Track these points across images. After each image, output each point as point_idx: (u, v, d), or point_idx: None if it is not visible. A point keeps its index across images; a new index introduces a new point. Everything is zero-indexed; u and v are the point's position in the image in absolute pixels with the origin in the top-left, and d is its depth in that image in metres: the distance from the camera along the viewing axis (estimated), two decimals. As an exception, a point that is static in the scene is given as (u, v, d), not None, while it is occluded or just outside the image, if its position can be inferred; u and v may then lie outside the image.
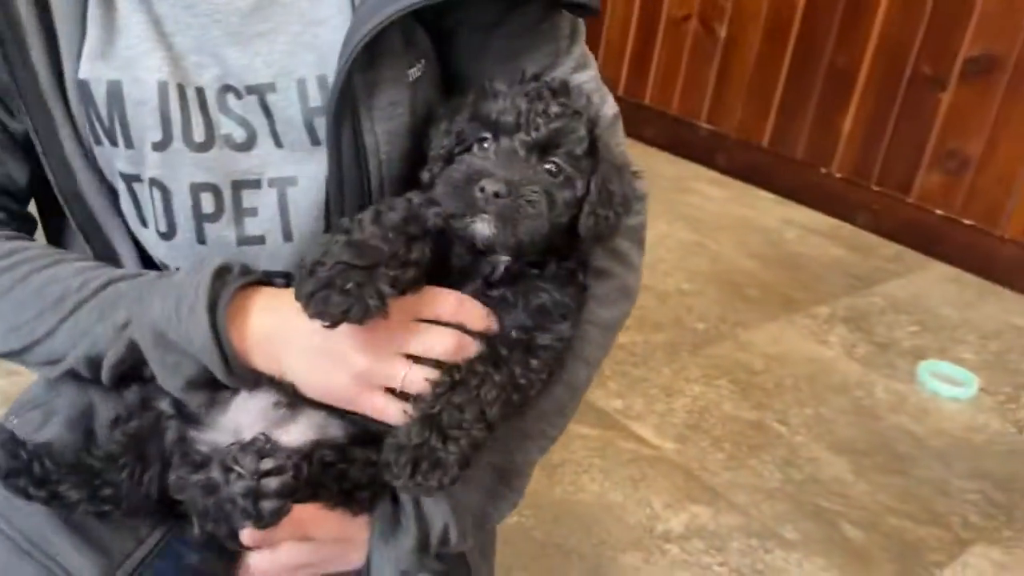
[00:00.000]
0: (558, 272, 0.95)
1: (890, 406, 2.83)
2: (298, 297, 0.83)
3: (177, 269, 1.00)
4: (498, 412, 0.87)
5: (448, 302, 0.92)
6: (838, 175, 4.27)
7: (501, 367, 0.89)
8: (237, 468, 0.82)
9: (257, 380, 0.95)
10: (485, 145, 0.91)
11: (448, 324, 0.91)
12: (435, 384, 0.88)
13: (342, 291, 0.82)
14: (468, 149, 0.93)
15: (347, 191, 0.97)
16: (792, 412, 2.74)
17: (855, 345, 3.17)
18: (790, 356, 3.05)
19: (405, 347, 0.91)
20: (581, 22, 1.08)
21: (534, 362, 0.92)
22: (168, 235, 1.00)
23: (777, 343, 3.12)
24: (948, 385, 2.90)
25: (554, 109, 0.90)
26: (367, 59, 0.92)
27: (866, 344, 3.18)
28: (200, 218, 0.98)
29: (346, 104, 0.93)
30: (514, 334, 0.92)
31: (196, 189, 0.97)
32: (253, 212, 0.99)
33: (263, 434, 0.89)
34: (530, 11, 1.02)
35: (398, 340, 0.90)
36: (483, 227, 0.86)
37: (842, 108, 4.18)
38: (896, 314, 3.42)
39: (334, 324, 0.83)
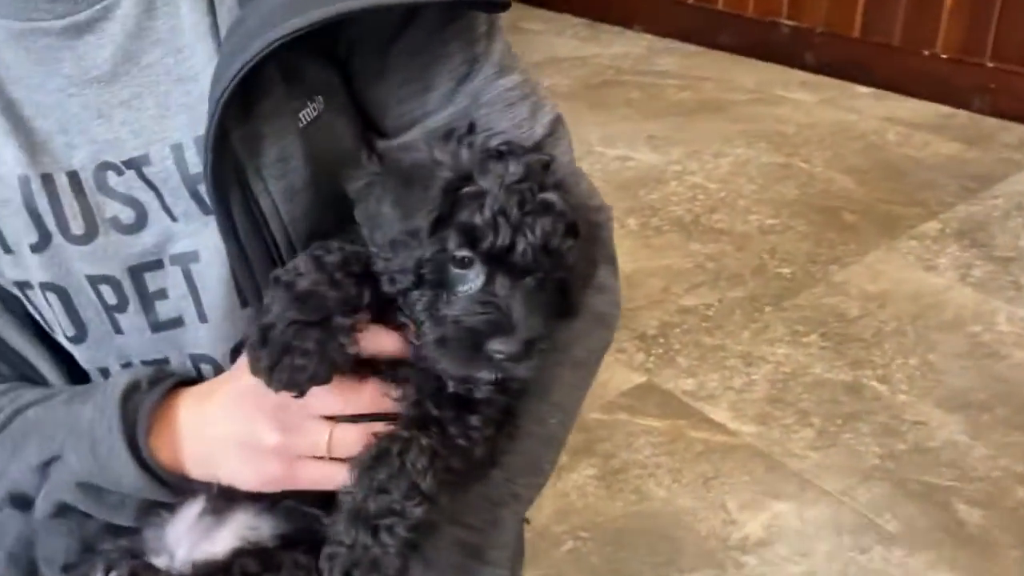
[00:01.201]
0: None
1: (1016, 340, 2.45)
2: (256, 371, 0.78)
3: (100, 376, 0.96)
4: (434, 482, 0.78)
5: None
6: (944, 56, 3.77)
7: (430, 428, 0.81)
8: None
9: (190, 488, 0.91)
10: (470, 271, 0.79)
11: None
12: (352, 463, 0.81)
13: (303, 353, 0.77)
14: (442, 268, 0.80)
15: (254, 261, 0.90)
16: (895, 365, 2.41)
17: (970, 266, 2.77)
18: (893, 293, 2.68)
19: (317, 409, 0.85)
20: (497, 17, 0.97)
21: (473, 418, 0.83)
22: (79, 338, 0.94)
23: (877, 278, 2.75)
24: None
25: (546, 224, 0.78)
26: (241, 110, 0.84)
27: (984, 263, 2.77)
28: (109, 310, 0.93)
29: (226, 165, 0.85)
30: (447, 387, 0.83)
31: (94, 282, 0.91)
32: (162, 295, 0.93)
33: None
34: (429, 18, 0.92)
35: (307, 404, 0.84)
36: (488, 375, 0.79)
37: (941, -23, 3.66)
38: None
39: (303, 392, 0.79)
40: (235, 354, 0.92)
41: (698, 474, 2.12)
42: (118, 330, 0.93)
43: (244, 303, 0.92)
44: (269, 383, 0.78)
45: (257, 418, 0.85)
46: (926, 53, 3.82)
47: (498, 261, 0.77)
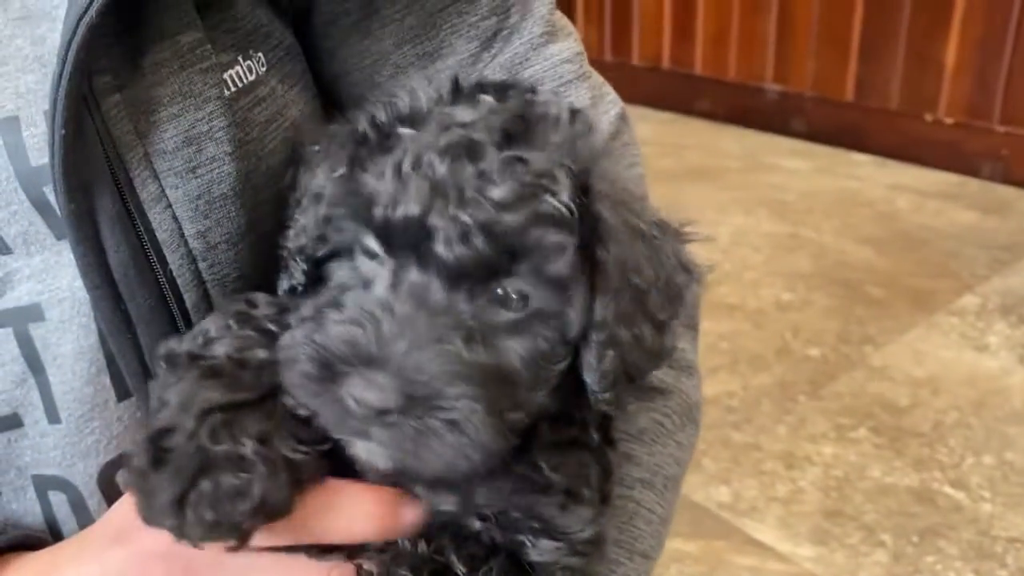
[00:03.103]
0: (554, 439, 0.57)
1: (1102, 430, 2.04)
2: (151, 517, 0.50)
3: None
4: None
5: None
6: (948, 120, 3.48)
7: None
8: None
9: None
10: (370, 264, 0.54)
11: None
12: None
13: (236, 464, 0.50)
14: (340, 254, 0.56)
15: (139, 319, 0.61)
16: (967, 465, 1.97)
17: (1027, 345, 2.38)
18: (944, 377, 2.27)
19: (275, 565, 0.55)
20: None
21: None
22: None
23: (922, 360, 2.34)
24: None
25: (504, 180, 0.50)
26: (123, 58, 0.59)
27: (1041, 341, 2.38)
28: None
29: (91, 153, 0.58)
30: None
31: None
32: None
33: None
34: None
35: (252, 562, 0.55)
36: (368, 454, 0.51)
37: (940, 37, 3.43)
38: (1068, 289, 2.61)
39: (245, 537, 0.51)
40: (106, 479, 0.65)
41: (752, 615, 1.63)
42: None
43: (122, 393, 0.64)
44: (179, 534, 0.50)
45: None
46: (928, 118, 3.52)
47: (412, 249, 0.51)
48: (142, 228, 0.61)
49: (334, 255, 0.57)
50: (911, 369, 2.31)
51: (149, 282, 0.62)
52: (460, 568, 0.53)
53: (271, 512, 0.51)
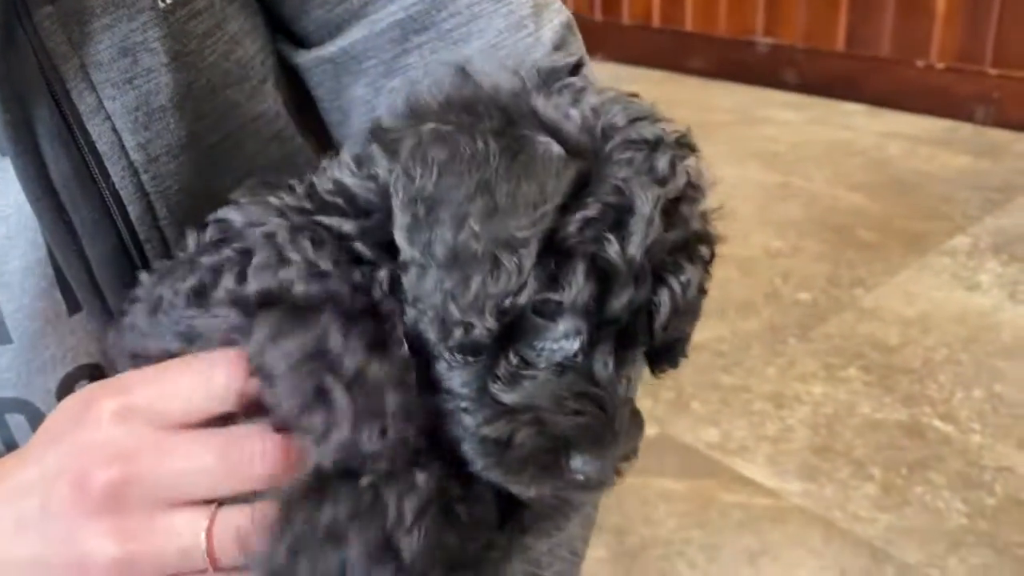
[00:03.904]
0: None
1: (1093, 361, 2.03)
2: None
3: None
4: (425, 546, 0.45)
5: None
6: (940, 65, 3.44)
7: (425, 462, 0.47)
8: None
9: None
10: (557, 324, 0.48)
11: None
12: (276, 495, 0.47)
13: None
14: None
15: (83, 231, 0.61)
16: (957, 399, 1.97)
17: (1017, 283, 2.37)
18: (934, 316, 2.26)
19: (179, 488, 0.51)
20: None
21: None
22: None
23: (913, 300, 2.33)
24: None
25: (695, 277, 0.50)
26: None
27: (1033, 277, 2.37)
28: None
29: (25, 64, 0.58)
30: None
31: None
32: None
33: None
34: None
35: (157, 483, 0.52)
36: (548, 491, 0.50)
37: (931, -19, 3.36)
38: (1061, 227, 2.60)
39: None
40: (65, 391, 0.64)
41: (740, 549, 1.63)
42: None
43: (73, 306, 0.63)
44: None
45: (77, 519, 0.52)
46: (920, 64, 3.49)
47: (608, 323, 0.48)
48: (82, 140, 0.60)
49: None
50: (902, 309, 2.30)
51: (92, 194, 0.61)
52: None
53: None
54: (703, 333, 2.15)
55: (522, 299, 0.45)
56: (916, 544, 1.61)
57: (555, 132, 0.49)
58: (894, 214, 2.78)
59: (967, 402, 1.96)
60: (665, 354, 0.54)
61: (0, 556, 0.53)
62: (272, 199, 0.54)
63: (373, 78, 0.71)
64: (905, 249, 2.57)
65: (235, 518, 0.50)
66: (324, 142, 0.77)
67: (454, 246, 0.45)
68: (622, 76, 4.23)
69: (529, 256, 0.45)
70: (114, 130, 0.61)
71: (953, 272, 2.45)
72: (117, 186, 0.62)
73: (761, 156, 3.23)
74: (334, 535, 0.44)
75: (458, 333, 0.46)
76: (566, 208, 0.46)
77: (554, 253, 0.46)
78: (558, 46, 0.74)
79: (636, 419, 0.52)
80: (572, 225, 0.46)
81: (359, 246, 0.50)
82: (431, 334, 0.47)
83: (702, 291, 0.52)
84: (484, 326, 0.45)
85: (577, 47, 0.76)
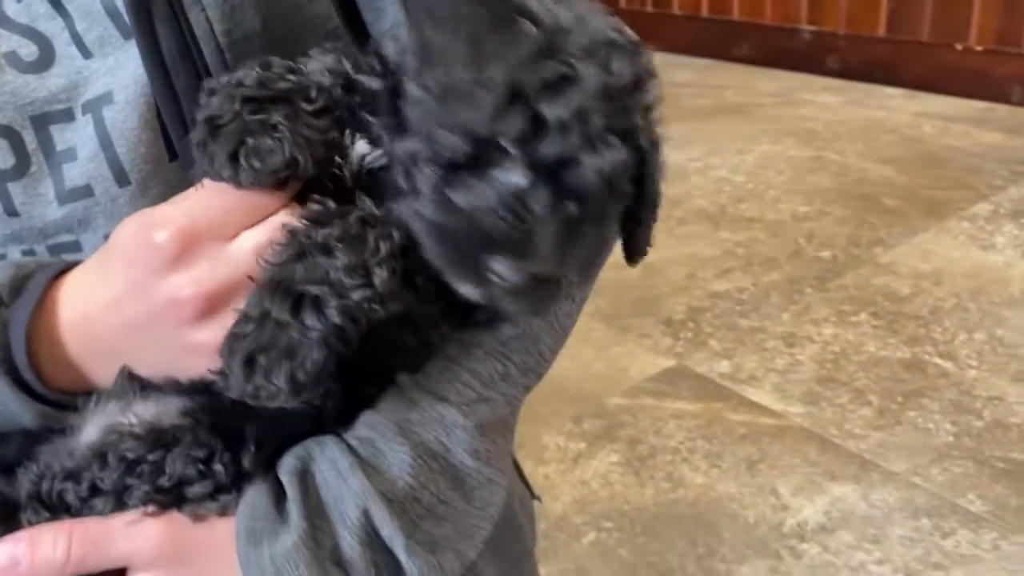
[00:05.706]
0: None
1: (1093, 311, 2.15)
2: (214, 175, 0.63)
3: None
4: (391, 281, 0.60)
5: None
6: (979, 48, 3.53)
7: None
8: None
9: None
10: (510, 166, 0.60)
11: None
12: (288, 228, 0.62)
13: (272, 131, 0.61)
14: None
15: (184, 97, 0.75)
16: (959, 341, 2.11)
17: (1032, 243, 2.49)
18: (947, 271, 2.39)
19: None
20: None
21: None
22: None
23: (928, 258, 2.47)
24: None
25: (621, 157, 0.60)
26: None
27: (1047, 239, 2.49)
28: (1, 178, 0.76)
29: None
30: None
31: None
32: (70, 155, 0.77)
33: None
34: None
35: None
36: (468, 292, 0.61)
37: (970, -33, 3.46)
38: (1082, 196, 2.69)
39: (282, 184, 0.63)
40: None
41: (741, 458, 1.81)
42: (11, 211, 0.75)
43: (172, 154, 0.76)
44: (236, 182, 0.62)
45: (147, 272, 0.65)
46: (959, 47, 3.59)
47: (549, 173, 0.58)
48: (184, 26, 0.74)
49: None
50: (917, 264, 2.44)
51: (190, 67, 0.76)
52: None
53: (297, 171, 0.63)
54: (727, 284, 2.35)
55: (485, 131, 0.59)
56: (904, 456, 1.77)
57: (532, 16, 0.63)
58: (920, 185, 2.90)
59: (968, 343, 2.10)
60: (626, 243, 0.67)
61: (102, 328, 0.68)
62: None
63: None
64: (927, 214, 2.70)
65: (257, 237, 0.65)
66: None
67: (446, 84, 0.62)
68: (670, 62, 4.41)
69: (498, 98, 0.59)
70: (207, 19, 0.75)
71: (971, 235, 2.58)
72: (208, 61, 0.75)
73: (797, 133, 3.37)
74: (326, 248, 0.61)
75: (439, 150, 0.61)
76: (530, 70, 0.60)
77: (513, 100, 0.60)
78: None
79: (556, 254, 0.60)
80: (530, 81, 0.60)
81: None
82: (420, 151, 0.63)
83: (640, 179, 0.62)
84: (460, 147, 0.60)
85: None
